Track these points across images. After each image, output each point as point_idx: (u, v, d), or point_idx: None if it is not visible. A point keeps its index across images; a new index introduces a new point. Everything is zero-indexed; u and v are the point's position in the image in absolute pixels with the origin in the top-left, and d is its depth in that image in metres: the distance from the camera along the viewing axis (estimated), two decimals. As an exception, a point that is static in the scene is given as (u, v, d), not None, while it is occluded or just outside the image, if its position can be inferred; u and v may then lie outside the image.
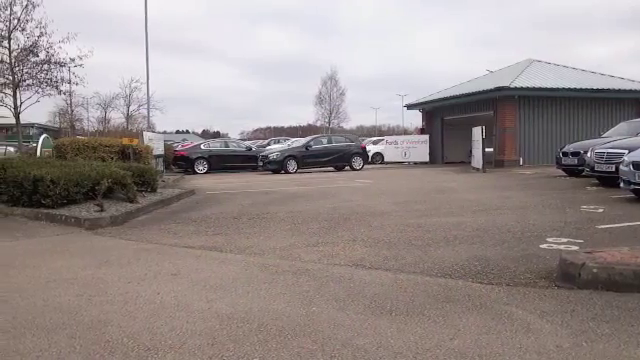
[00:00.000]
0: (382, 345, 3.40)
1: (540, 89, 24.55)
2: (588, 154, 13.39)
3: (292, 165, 24.25)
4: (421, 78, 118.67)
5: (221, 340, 3.52)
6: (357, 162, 25.91)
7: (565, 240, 6.47)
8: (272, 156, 24.46)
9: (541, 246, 6.21)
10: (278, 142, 37.24)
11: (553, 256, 5.49)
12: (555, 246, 6.15)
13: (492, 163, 23.65)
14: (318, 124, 75.61)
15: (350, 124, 77.99)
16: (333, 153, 25.54)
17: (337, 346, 3.39)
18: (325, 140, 26.72)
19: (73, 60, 15.34)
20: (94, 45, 16.22)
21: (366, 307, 4.19)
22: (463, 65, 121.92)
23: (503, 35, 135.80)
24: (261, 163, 24.87)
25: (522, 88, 24.20)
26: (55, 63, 15.20)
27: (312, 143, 25.81)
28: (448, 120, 29.91)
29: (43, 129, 43.34)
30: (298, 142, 28.18)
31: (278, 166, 23.98)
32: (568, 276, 4.69)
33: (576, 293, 4.42)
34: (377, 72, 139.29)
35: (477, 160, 22.22)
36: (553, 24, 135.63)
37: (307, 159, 24.85)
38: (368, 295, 4.50)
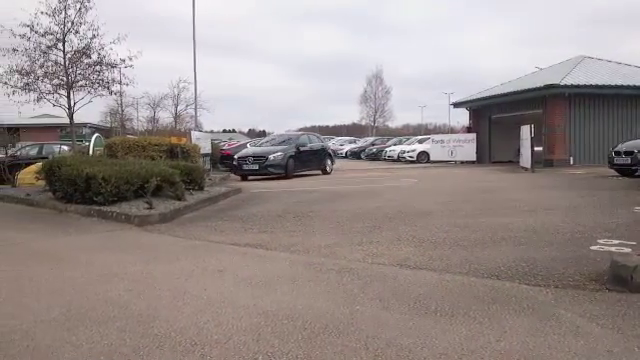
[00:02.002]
0: (426, 345, 3.38)
1: (591, 86, 23.78)
2: (642, 153, 12.96)
3: (291, 167, 20.15)
4: (468, 76, 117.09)
5: (266, 337, 3.57)
6: (329, 165, 22.88)
7: (617, 242, 6.28)
8: (273, 157, 19.67)
9: (591, 248, 6.05)
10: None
11: (604, 258, 5.34)
12: (606, 248, 5.98)
13: (541, 163, 23.09)
14: (363, 123, 75.56)
15: (395, 123, 77.70)
16: (316, 154, 22.32)
17: (381, 345, 3.39)
18: (307, 140, 22.93)
19: (123, 61, 15.69)
20: (143, 46, 16.58)
21: (410, 307, 4.17)
22: (511, 63, 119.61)
23: (552, 32, 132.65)
24: (255, 166, 19.59)
25: (573, 85, 23.51)
26: (106, 64, 15.59)
27: (300, 143, 21.65)
28: (496, 118, 29.36)
29: (95, 128, 44.52)
30: (274, 140, 23.07)
31: (282, 170, 19.56)
32: (619, 279, 4.56)
33: (628, 296, 4.30)
34: (423, 70, 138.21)
35: (525, 159, 21.75)
36: (603, 20, 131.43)
37: (298, 162, 20.69)
38: (412, 295, 4.48)
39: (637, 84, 24.08)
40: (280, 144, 21.60)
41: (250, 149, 21.89)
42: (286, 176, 19.57)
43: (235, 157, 20.69)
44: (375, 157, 37.67)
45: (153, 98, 56.34)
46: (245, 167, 19.76)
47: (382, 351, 3.30)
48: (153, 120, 59.36)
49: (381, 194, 12.89)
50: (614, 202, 10.14)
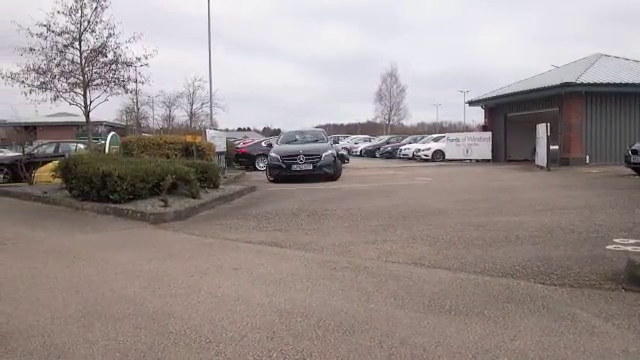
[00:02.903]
0: (441, 344, 3.38)
1: (608, 84, 23.57)
2: (660, 152, 12.81)
3: (339, 167, 18.14)
4: (484, 75, 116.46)
5: (280, 334, 3.58)
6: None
7: (633, 241, 6.22)
8: (325, 155, 17.01)
9: (607, 247, 5.99)
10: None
11: (620, 258, 5.29)
12: (622, 247, 5.92)
13: (557, 161, 22.93)
14: (378, 121, 75.43)
15: (410, 121, 77.50)
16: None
17: (395, 343, 3.39)
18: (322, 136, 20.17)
19: (139, 59, 15.78)
20: (159, 45, 16.63)
21: (425, 306, 4.16)
22: (527, 61, 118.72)
23: (567, 30, 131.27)
24: (308, 166, 16.77)
25: (589, 84, 23.32)
26: (122, 63, 15.70)
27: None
28: (511, 117, 29.17)
29: (111, 127, 44.87)
30: (301, 136, 19.91)
31: (333, 170, 17.11)
32: (636, 278, 4.51)
33: (645, 296, 4.26)
34: (439, 69, 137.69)
35: (541, 158, 21.59)
36: (619, 18, 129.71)
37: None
38: (427, 294, 4.47)
39: (656, 82, 23.81)
40: (314, 141, 18.74)
41: (292, 146, 18.12)
42: (333, 177, 17.11)
43: (272, 155, 17.36)
44: (390, 155, 37.58)
45: (168, 96, 56.80)
46: (295, 168, 16.64)
47: (396, 349, 3.30)
48: (168, 118, 59.80)
49: (396, 192, 12.86)
50: (631, 201, 10.03)
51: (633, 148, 15.81)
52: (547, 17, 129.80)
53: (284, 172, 16.75)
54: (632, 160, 15.70)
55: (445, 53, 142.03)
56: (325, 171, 16.86)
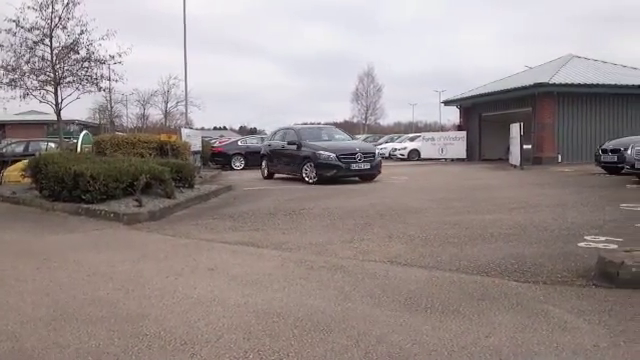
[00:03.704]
0: (417, 342, 3.39)
1: (579, 85, 23.98)
2: (628, 151, 13.05)
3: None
4: (460, 75, 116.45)
5: (257, 335, 3.56)
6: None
7: (604, 238, 6.33)
8: (377, 153, 16.69)
9: (579, 244, 6.09)
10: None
11: (591, 254, 5.37)
12: (593, 244, 6.02)
13: (530, 160, 23.23)
14: (354, 120, 75.52)
15: (387, 120, 77.79)
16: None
17: (372, 342, 3.39)
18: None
19: (112, 57, 15.60)
20: (134, 42, 16.51)
21: (401, 304, 4.18)
22: (504, 62, 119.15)
23: (543, 31, 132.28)
24: (366, 165, 15.55)
25: (561, 84, 23.68)
26: (95, 60, 15.49)
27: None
28: (486, 116, 29.48)
29: (83, 125, 44.32)
30: (324, 133, 18.30)
31: (380, 169, 16.32)
32: (607, 275, 4.60)
33: (615, 292, 4.34)
34: (417, 68, 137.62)
35: (515, 157, 21.86)
36: (599, 19, 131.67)
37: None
38: (403, 292, 4.49)
39: (624, 83, 24.35)
40: (345, 139, 17.69)
41: (339, 144, 16.64)
42: (372, 177, 16.16)
43: (323, 153, 15.49)
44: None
45: (143, 95, 56.25)
46: (355, 167, 15.37)
47: (373, 348, 3.30)
48: (143, 117, 59.31)
49: (372, 191, 12.90)
50: (601, 199, 10.21)
51: (603, 147, 16.09)
52: (524, 18, 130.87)
53: (342, 172, 15.35)
54: (602, 159, 15.97)
55: (423, 54, 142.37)
56: (379, 170, 16.16)
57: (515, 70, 42.29)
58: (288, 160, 17.04)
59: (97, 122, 54.81)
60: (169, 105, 57.43)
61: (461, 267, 5.29)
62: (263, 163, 18.71)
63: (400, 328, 3.64)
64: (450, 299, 4.28)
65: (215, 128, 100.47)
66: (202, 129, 55.98)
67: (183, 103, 35.93)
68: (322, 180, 15.19)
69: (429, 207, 9.70)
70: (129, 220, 8.66)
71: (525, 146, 21.88)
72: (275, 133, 19.29)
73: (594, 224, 7.39)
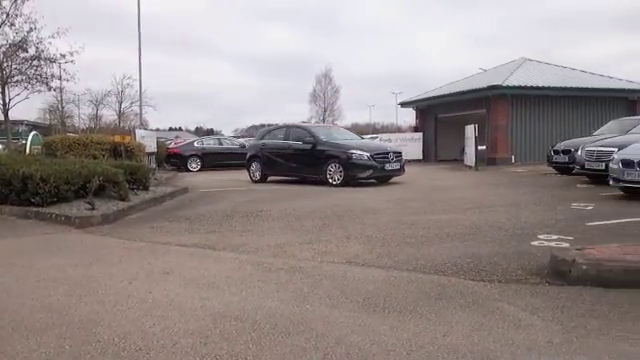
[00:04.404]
0: (375, 342, 3.39)
1: (532, 88, 24.66)
2: (579, 152, 13.44)
3: None
4: (418, 77, 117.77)
5: (214, 339, 3.50)
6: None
7: (556, 237, 6.50)
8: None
9: (532, 243, 6.23)
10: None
11: (544, 253, 5.50)
12: (546, 243, 6.17)
13: (484, 161, 23.70)
14: (313, 121, 75.68)
15: (344, 122, 77.56)
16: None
17: (331, 344, 3.38)
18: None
19: (64, 56, 15.28)
20: (87, 41, 16.31)
21: (359, 305, 4.18)
22: (460, 64, 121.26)
23: (505, 34, 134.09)
24: (396, 165, 15.17)
25: (514, 87, 24.31)
26: (45, 59, 15.11)
27: None
28: (442, 118, 29.94)
29: (33, 126, 42.99)
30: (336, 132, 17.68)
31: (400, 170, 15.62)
32: (559, 273, 4.73)
33: (567, 289, 4.46)
34: (375, 70, 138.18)
35: (470, 158, 22.27)
36: (559, 23, 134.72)
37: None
38: (361, 293, 4.50)
39: (575, 86, 25.15)
40: (357, 139, 17.20)
41: (371, 143, 17.16)
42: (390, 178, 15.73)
43: (356, 152, 14.70)
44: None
45: (96, 95, 54.82)
46: (389, 167, 14.92)
47: (332, 349, 3.29)
48: (96, 118, 57.86)
49: (330, 192, 12.91)
50: (553, 198, 10.49)
51: (555, 148, 16.56)
52: (483, 22, 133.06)
53: (377, 172, 14.75)
54: (554, 160, 16.44)
55: (381, 56, 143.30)
56: (404, 170, 15.72)
57: (470, 73, 43.14)
58: (298, 160, 15.82)
59: (47, 123, 53.21)
60: (123, 105, 56.09)
61: (418, 267, 5.33)
62: (253, 165, 17.14)
63: (359, 329, 3.64)
64: (408, 299, 4.31)
65: (171, 129, 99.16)
66: (157, 130, 55.12)
67: (137, 103, 35.24)
68: (350, 182, 14.38)
69: (386, 207, 9.78)
70: (81, 223, 8.42)
71: (480, 147, 22.33)
72: (269, 132, 18.04)
73: (547, 223, 7.57)
